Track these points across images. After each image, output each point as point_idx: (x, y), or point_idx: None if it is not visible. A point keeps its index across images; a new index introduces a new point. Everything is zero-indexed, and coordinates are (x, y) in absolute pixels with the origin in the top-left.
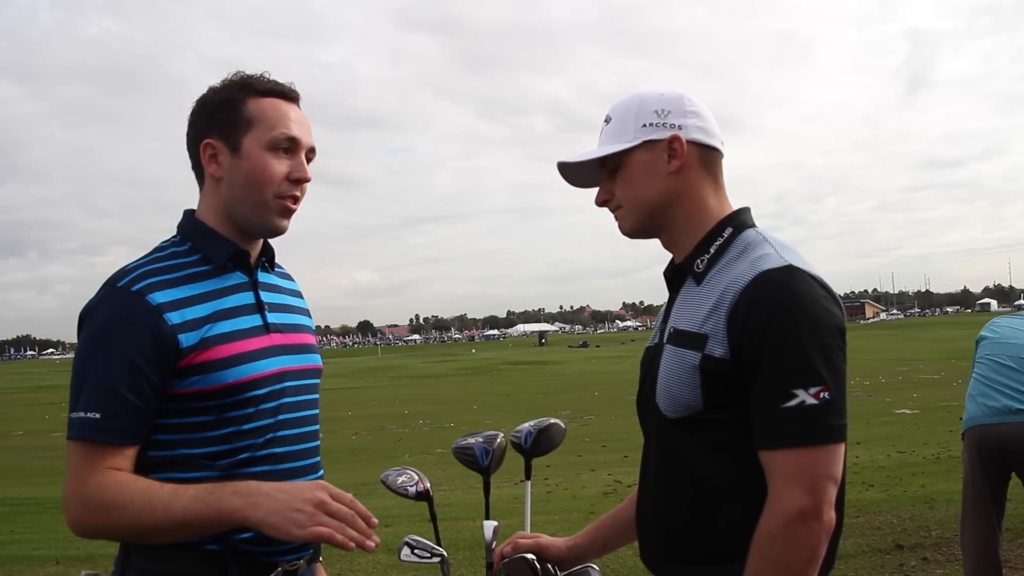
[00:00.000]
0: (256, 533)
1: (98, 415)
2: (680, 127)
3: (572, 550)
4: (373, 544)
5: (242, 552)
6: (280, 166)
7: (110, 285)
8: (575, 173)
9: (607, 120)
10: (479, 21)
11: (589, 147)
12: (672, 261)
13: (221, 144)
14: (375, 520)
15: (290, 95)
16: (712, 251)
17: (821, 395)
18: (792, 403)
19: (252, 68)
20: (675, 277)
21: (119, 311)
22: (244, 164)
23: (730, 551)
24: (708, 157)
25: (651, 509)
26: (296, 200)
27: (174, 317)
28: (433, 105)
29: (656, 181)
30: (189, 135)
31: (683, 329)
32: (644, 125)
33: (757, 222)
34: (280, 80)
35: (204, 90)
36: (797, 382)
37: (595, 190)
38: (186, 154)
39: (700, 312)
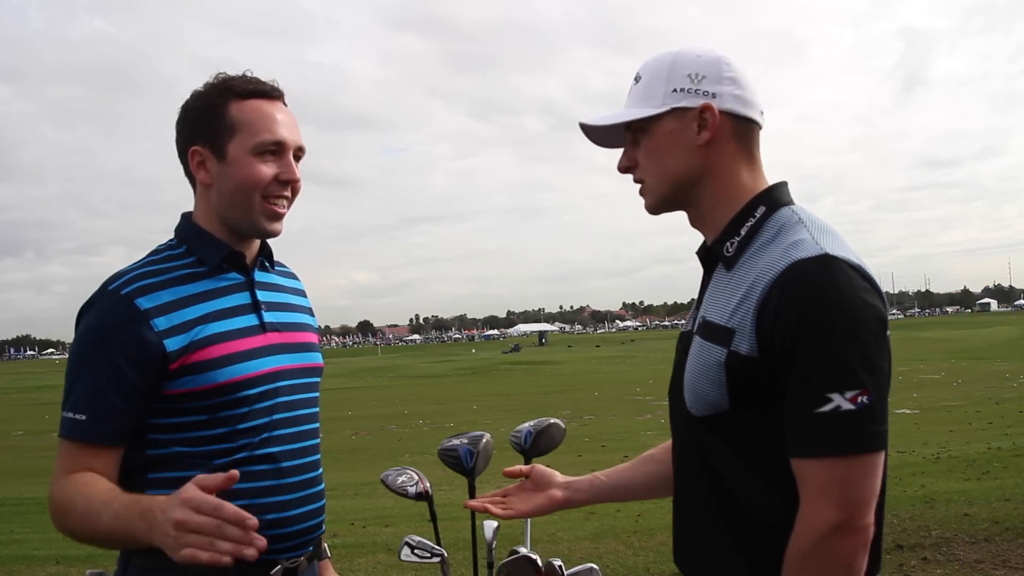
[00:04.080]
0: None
1: (84, 417)
2: (714, 95)
3: (593, 484)
4: (254, 551)
5: None
6: (267, 169)
7: (103, 288)
8: (599, 132)
9: (636, 79)
10: (467, 21)
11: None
12: (704, 242)
13: (207, 151)
14: (253, 520)
15: (272, 94)
16: (743, 233)
17: (859, 399)
18: (827, 408)
19: (242, 68)
20: (707, 258)
21: (106, 316)
22: (231, 171)
23: (758, 556)
24: (744, 129)
25: (680, 511)
26: (287, 201)
27: (161, 322)
28: (425, 105)
29: (683, 154)
30: (177, 141)
31: (712, 321)
32: (675, 90)
33: None
34: (263, 78)
35: (191, 91)
36: (833, 385)
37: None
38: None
39: (729, 303)
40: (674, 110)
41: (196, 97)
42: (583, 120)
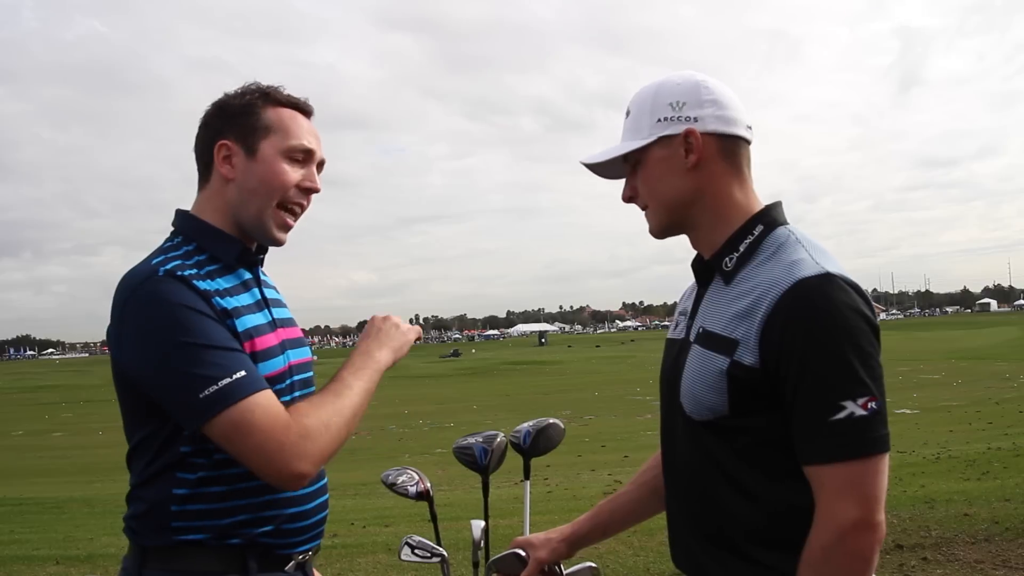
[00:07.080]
0: (274, 526)
1: (243, 373)
2: (696, 119)
3: (571, 538)
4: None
5: (261, 546)
6: (293, 174)
7: (149, 276)
8: (602, 167)
9: (627, 112)
10: (459, 21)
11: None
12: (699, 255)
13: (237, 146)
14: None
15: (306, 109)
16: (742, 249)
17: (869, 405)
18: (841, 415)
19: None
20: (703, 271)
21: (177, 291)
22: (258, 168)
23: (757, 549)
24: (730, 147)
25: (680, 510)
26: (301, 209)
27: (220, 302)
28: (420, 106)
29: (675, 178)
30: (202, 136)
31: (713, 331)
32: (659, 120)
33: None
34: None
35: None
36: (845, 394)
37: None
38: (177, 155)
39: (730, 315)
40: (661, 139)
41: (232, 96)
42: (582, 159)
